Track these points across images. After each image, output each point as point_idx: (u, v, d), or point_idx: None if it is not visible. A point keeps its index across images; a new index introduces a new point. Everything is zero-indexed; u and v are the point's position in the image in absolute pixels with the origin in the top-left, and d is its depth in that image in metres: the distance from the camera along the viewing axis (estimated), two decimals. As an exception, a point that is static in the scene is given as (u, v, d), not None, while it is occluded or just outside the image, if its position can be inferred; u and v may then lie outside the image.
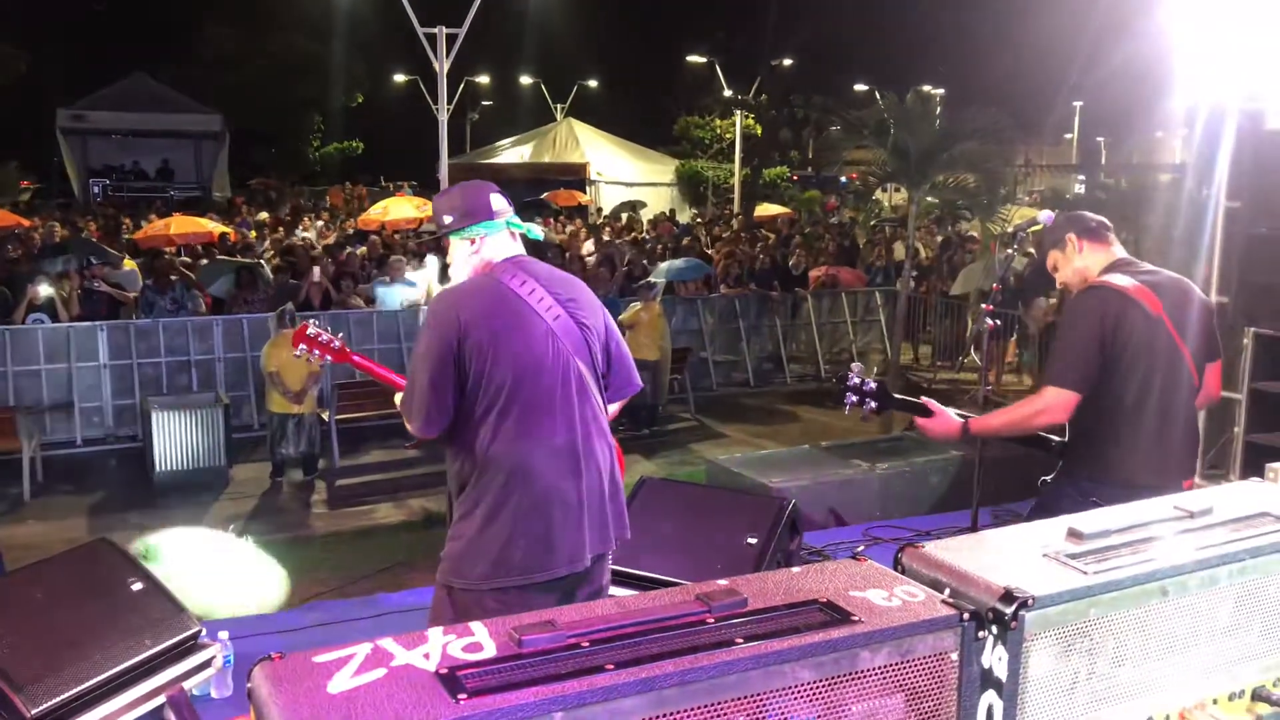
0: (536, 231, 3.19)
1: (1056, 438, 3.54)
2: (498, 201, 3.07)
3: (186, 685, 3.85)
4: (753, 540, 4.69)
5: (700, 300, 13.64)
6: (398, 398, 3.12)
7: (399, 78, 34.76)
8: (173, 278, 11.35)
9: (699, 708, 1.34)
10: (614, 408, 3.14)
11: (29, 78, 30.89)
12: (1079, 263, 3.63)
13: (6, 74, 29.74)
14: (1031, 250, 12.73)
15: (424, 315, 3.06)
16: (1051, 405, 3.40)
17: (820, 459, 7.00)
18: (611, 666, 1.30)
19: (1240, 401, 6.26)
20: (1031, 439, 3.59)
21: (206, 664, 3.96)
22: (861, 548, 5.85)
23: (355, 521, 8.86)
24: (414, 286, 12.07)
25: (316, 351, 3.58)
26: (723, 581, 1.58)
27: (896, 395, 3.62)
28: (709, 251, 16.98)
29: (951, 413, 3.58)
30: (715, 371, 13.33)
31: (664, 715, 1.31)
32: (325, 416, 10.04)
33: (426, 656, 1.32)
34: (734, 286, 14.54)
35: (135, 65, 32.12)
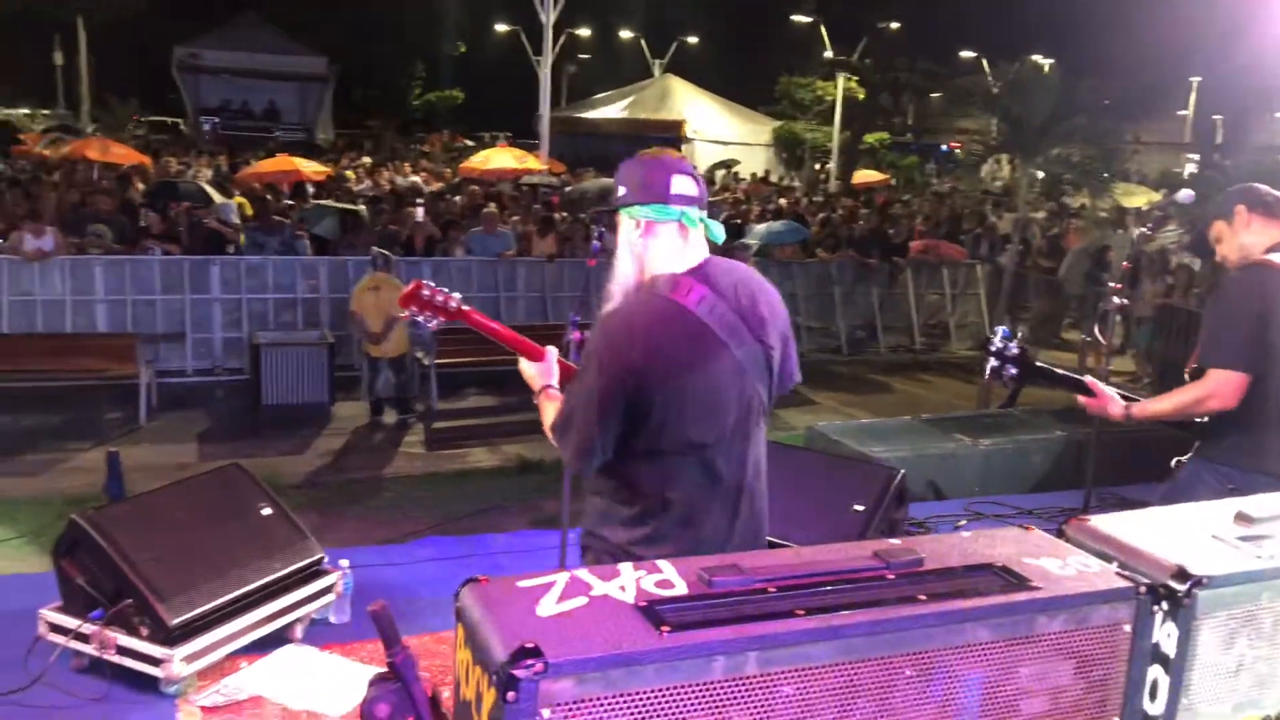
0: (718, 231, 2.62)
1: (1198, 419, 3.45)
2: (681, 185, 2.55)
3: (308, 610, 4.03)
4: (859, 507, 4.71)
5: (796, 264, 13.54)
6: (548, 414, 2.72)
7: (501, 28, 34.87)
8: (278, 219, 11.62)
9: (881, 658, 1.37)
10: None
11: (145, 15, 31.66)
12: (1245, 238, 3.45)
13: (127, 11, 30.53)
14: (1145, 229, 12.38)
15: (594, 333, 2.56)
16: (1219, 389, 3.27)
17: (922, 431, 6.96)
18: (802, 612, 1.34)
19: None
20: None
21: (328, 590, 4.14)
22: (963, 521, 5.84)
23: (450, 464, 9.01)
24: (508, 238, 12.21)
25: (427, 313, 3.08)
26: (895, 540, 1.61)
27: (1042, 365, 3.53)
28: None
29: (1113, 393, 3.48)
30: (807, 337, 13.23)
31: (848, 663, 1.35)
32: (425, 360, 10.24)
33: (623, 589, 1.38)
34: (831, 252, 14.40)
35: (248, 4, 32.75)
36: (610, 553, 2.55)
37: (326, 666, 3.79)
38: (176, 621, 3.44)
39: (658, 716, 1.26)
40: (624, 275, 2.61)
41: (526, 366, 2.96)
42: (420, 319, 3.11)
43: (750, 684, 1.30)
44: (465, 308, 3.13)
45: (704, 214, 2.58)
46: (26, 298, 10.26)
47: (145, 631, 3.45)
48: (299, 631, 3.99)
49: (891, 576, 1.47)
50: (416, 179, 19.29)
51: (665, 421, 2.43)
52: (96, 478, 7.36)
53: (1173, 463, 3.61)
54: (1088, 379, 3.51)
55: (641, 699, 1.25)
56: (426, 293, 3.09)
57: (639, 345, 2.43)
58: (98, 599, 3.50)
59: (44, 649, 3.53)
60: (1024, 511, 5.97)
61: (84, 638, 3.49)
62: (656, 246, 2.55)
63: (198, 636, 3.52)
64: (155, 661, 3.41)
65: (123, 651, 3.45)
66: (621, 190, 2.60)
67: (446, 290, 3.14)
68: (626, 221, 2.59)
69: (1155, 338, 11.87)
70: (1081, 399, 3.49)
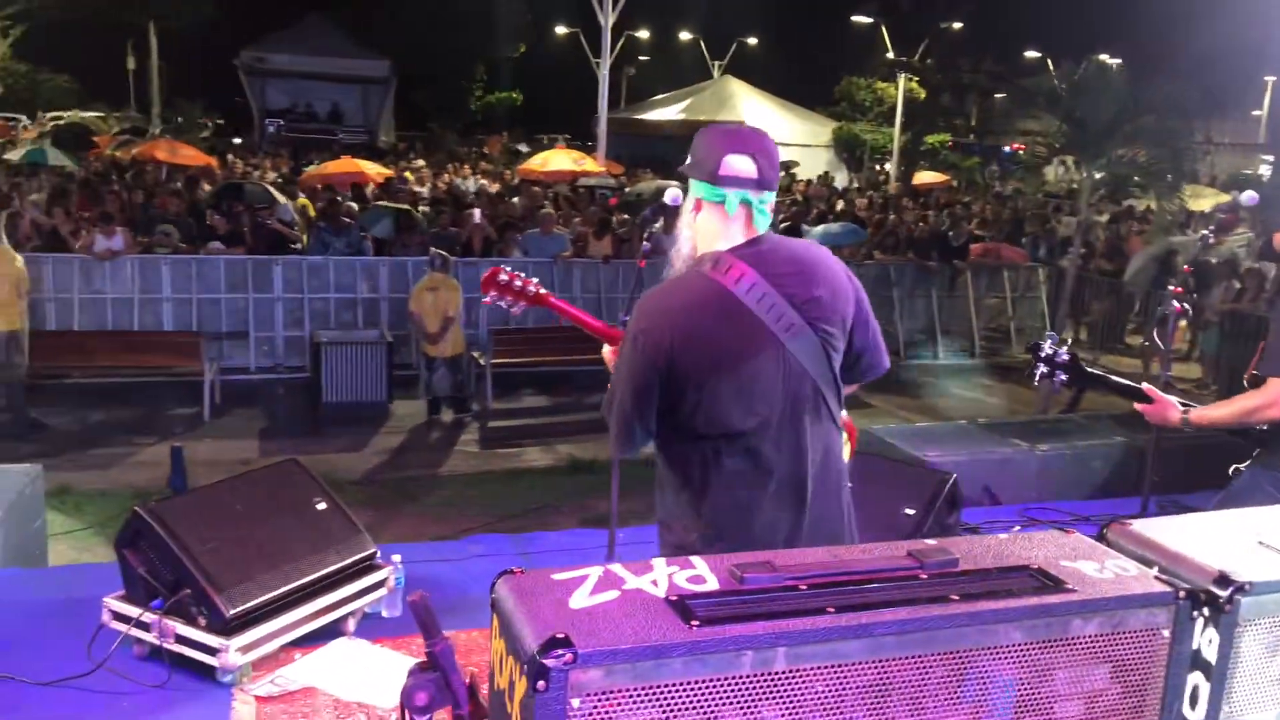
0: (765, 220, 2.51)
1: (1258, 427, 3.37)
2: (734, 164, 2.43)
3: (360, 604, 4.10)
4: (910, 511, 4.67)
5: (853, 266, 13.42)
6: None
7: (560, 29, 35.08)
8: (346, 220, 11.83)
9: (912, 657, 1.38)
10: (851, 387, 2.70)
11: (215, 18, 32.38)
12: None
13: (197, 16, 31.26)
14: (1206, 232, 12.09)
15: (634, 311, 2.52)
16: None
17: (977, 435, 6.87)
18: (832, 610, 1.35)
19: None
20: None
21: (380, 584, 4.20)
22: (1017, 527, 5.76)
23: (504, 463, 9.13)
24: (563, 240, 12.28)
25: (508, 298, 3.15)
26: (931, 541, 1.61)
27: (1094, 371, 3.48)
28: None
29: (1172, 400, 3.41)
30: (864, 340, 13.11)
31: (877, 661, 1.36)
32: (480, 360, 10.36)
33: (655, 584, 1.40)
34: (889, 254, 14.28)
35: (312, 9, 33.34)
36: (675, 545, 2.53)
37: (378, 660, 3.85)
38: (233, 612, 3.51)
39: (686, 709, 1.28)
40: (680, 251, 2.57)
41: (607, 351, 2.95)
42: (502, 304, 3.17)
43: (779, 679, 1.31)
44: (543, 291, 3.18)
45: (759, 196, 2.46)
46: (97, 295, 10.57)
47: (203, 621, 3.53)
48: (351, 625, 4.05)
49: (925, 576, 1.48)
50: (484, 181, 19.51)
51: (700, 403, 2.37)
52: (161, 472, 7.57)
53: (1230, 470, 3.54)
54: (1145, 385, 3.44)
55: (670, 691, 1.27)
56: (504, 277, 3.13)
57: (671, 322, 2.38)
58: (158, 589, 3.59)
59: (107, 636, 3.63)
60: (1080, 518, 5.86)
61: (145, 626, 3.58)
62: (704, 224, 2.49)
63: (253, 627, 3.58)
64: (212, 651, 3.49)
65: (181, 640, 3.54)
66: (688, 159, 2.53)
67: (524, 275, 3.18)
68: (690, 194, 2.54)
69: (1223, 343, 11.60)
70: (1138, 405, 3.42)
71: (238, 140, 30.12)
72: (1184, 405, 3.41)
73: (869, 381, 2.72)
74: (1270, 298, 10.48)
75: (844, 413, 2.76)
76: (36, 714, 3.30)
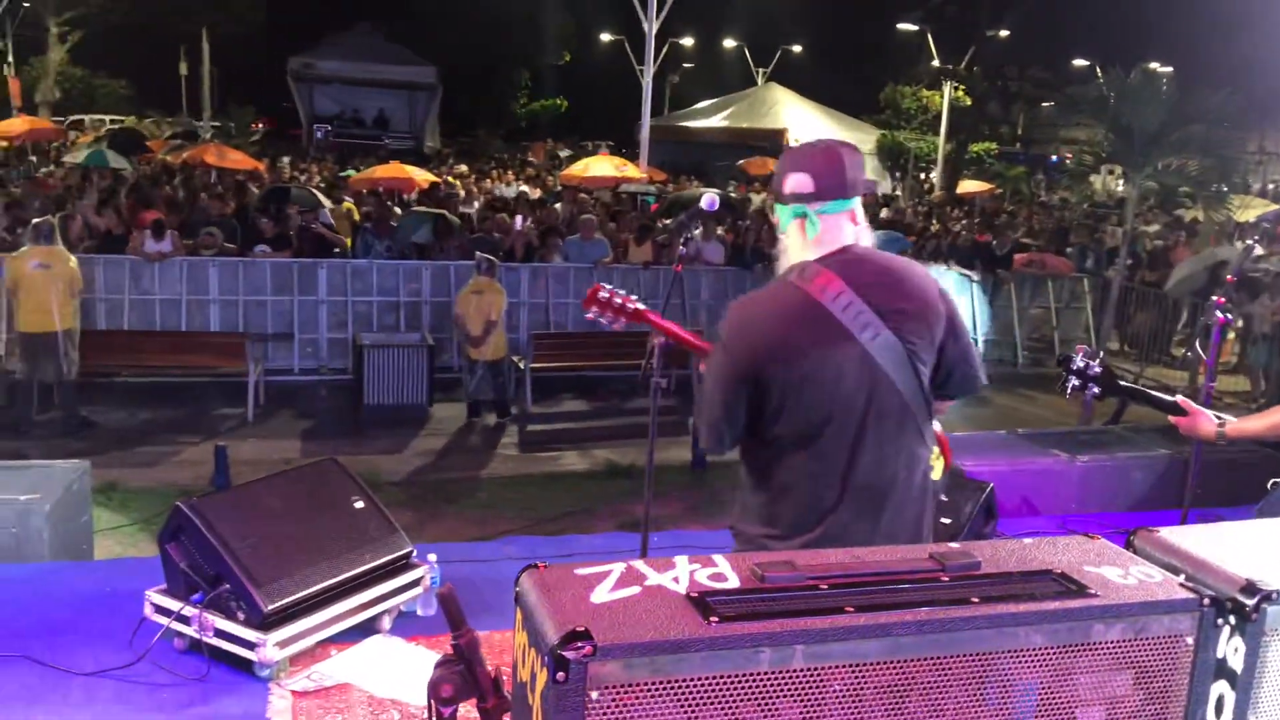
0: (815, 229, 2.57)
1: None
2: (794, 183, 2.55)
3: (395, 602, 4.15)
4: (947, 521, 4.65)
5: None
6: None
7: (605, 37, 35.24)
8: (393, 225, 11.96)
9: (931, 659, 1.38)
10: (947, 403, 2.74)
11: (265, 25, 32.93)
12: None
13: (247, 24, 31.79)
14: (1250, 242, 11.85)
15: (725, 317, 2.60)
16: None
17: (1017, 445, 6.81)
18: (851, 609, 1.36)
19: None
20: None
21: (415, 583, 4.25)
22: (1055, 538, 5.70)
23: (542, 466, 9.16)
24: (604, 245, 12.32)
25: (609, 314, 3.26)
26: (955, 544, 1.61)
27: (1127, 384, 3.44)
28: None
29: (1208, 413, 3.36)
30: (905, 349, 13.04)
31: (896, 661, 1.36)
32: (521, 364, 10.42)
33: (676, 580, 1.42)
34: (930, 261, 14.19)
35: (360, 16, 33.78)
36: (748, 544, 2.57)
37: (412, 657, 3.89)
38: (271, 608, 3.57)
39: (704, 704, 1.30)
40: (779, 266, 2.65)
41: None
42: (602, 320, 3.28)
43: (798, 677, 1.33)
44: (642, 308, 3.28)
45: (816, 207, 2.52)
46: (146, 296, 10.76)
47: (241, 616, 3.60)
48: (386, 622, 4.10)
49: (946, 578, 1.48)
50: (524, 188, 19.66)
51: (783, 407, 2.44)
52: (205, 470, 7.70)
53: (1269, 485, 3.48)
54: (1179, 398, 3.39)
55: (688, 686, 1.29)
56: (605, 294, 3.25)
57: (757, 330, 2.47)
58: (199, 583, 3.66)
59: (149, 628, 3.71)
60: (1120, 530, 5.77)
61: (185, 620, 3.66)
62: (788, 241, 2.61)
63: (290, 623, 3.64)
64: (250, 645, 3.56)
65: (220, 634, 3.61)
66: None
67: (624, 293, 3.29)
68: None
69: (1272, 355, 11.39)
70: (1172, 418, 3.38)
71: (280, 145, 30.52)
72: (1219, 419, 3.35)
73: (956, 397, 2.75)
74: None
75: (937, 425, 2.78)
76: (80, 704, 3.38)
